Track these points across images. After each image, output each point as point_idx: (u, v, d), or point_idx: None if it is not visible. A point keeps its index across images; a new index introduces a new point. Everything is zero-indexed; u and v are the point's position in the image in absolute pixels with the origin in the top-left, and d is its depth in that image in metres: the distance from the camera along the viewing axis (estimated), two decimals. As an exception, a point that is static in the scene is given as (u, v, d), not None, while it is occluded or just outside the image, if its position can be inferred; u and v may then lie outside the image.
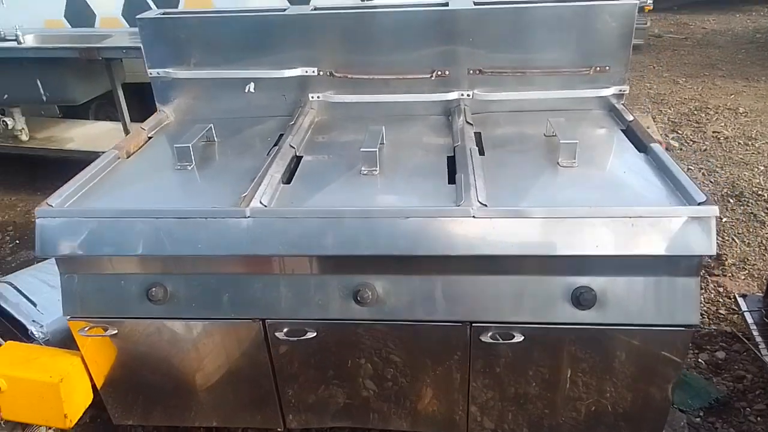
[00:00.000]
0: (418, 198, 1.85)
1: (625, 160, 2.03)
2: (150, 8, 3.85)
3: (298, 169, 2.10)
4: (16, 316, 2.27)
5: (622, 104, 2.42)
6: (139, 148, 2.33)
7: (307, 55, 2.46)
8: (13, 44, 3.76)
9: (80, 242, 1.81)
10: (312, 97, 2.53)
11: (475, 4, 2.40)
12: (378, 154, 2.02)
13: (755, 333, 2.59)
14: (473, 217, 1.69)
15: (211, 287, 1.87)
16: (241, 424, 2.24)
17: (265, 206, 1.78)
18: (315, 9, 2.49)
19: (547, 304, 1.79)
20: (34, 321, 2.24)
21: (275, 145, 2.22)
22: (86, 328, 1.95)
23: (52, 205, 1.84)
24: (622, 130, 2.27)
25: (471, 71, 2.43)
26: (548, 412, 1.99)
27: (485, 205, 1.71)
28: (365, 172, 2.01)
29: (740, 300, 2.80)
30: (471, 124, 2.30)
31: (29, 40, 3.87)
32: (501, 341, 1.84)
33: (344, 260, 1.78)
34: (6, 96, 4.04)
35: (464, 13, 2.35)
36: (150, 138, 2.43)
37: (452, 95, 2.46)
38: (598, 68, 2.38)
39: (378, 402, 2.07)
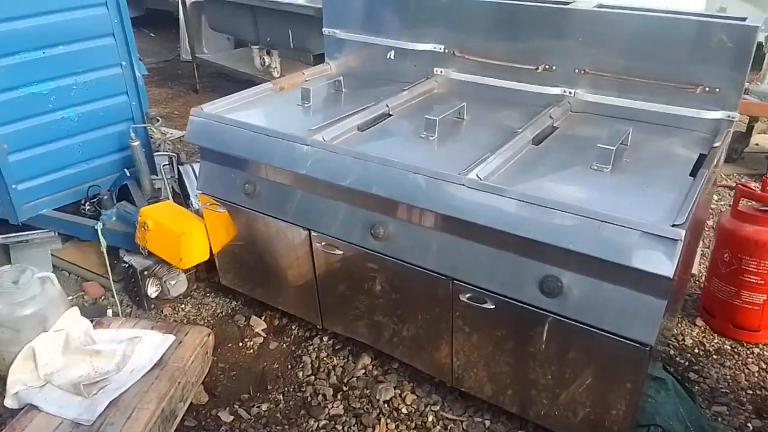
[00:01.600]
0: (444, 162, 2.12)
1: (661, 178, 2.00)
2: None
3: (379, 123, 2.51)
4: (188, 187, 3.17)
5: (729, 131, 2.27)
6: (291, 87, 2.98)
7: (437, 32, 2.81)
8: (277, -1, 4.79)
9: (210, 138, 2.53)
10: (436, 71, 2.88)
11: (598, 6, 2.48)
12: (437, 123, 2.32)
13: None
14: (463, 185, 1.94)
15: (280, 193, 2.44)
16: (295, 313, 2.81)
17: (324, 141, 2.26)
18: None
19: (518, 281, 1.95)
20: (195, 195, 3.10)
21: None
22: (207, 204, 2.70)
23: (202, 109, 2.59)
24: (700, 154, 2.17)
25: (577, 70, 2.52)
26: (515, 381, 2.14)
27: (479, 179, 1.94)
28: (423, 136, 2.34)
29: None
30: (552, 118, 2.43)
31: (289, -3, 4.86)
32: (475, 303, 2.06)
33: (364, 195, 2.17)
34: (268, 39, 5.17)
35: (580, 13, 2.45)
36: (306, 81, 3.07)
37: (555, 90, 2.58)
38: (707, 89, 2.27)
39: (385, 329, 2.44)
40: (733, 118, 2.26)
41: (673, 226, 1.64)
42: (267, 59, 5.35)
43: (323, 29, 3.17)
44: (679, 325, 2.88)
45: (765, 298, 2.67)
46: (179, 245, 2.71)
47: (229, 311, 3.05)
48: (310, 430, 2.38)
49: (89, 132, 3.25)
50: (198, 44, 6.43)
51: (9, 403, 2.31)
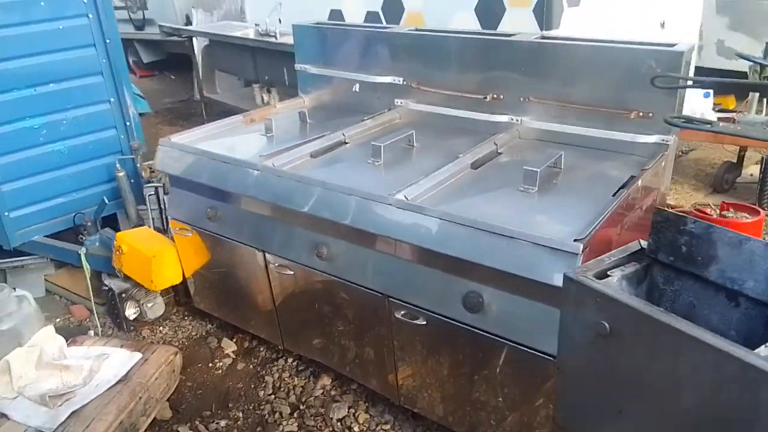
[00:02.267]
0: (381, 185, 2.23)
1: (585, 198, 2.07)
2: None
3: (333, 151, 2.65)
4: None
5: (664, 154, 2.34)
6: (261, 119, 3.15)
7: (397, 66, 2.96)
8: (272, 39, 5.04)
9: (176, 166, 2.70)
10: (397, 102, 3.02)
11: (543, 38, 2.60)
12: (382, 149, 2.45)
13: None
14: (390, 205, 2.04)
15: (238, 217, 2.58)
16: (260, 335, 2.92)
17: (273, 166, 2.40)
18: (414, 30, 2.98)
19: (444, 297, 2.03)
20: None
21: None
22: (177, 229, 2.86)
23: (170, 139, 2.76)
24: (631, 176, 2.23)
25: (522, 98, 2.63)
26: (454, 399, 2.20)
27: (405, 199, 2.04)
28: (370, 161, 2.47)
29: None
30: (496, 144, 2.54)
31: (283, 38, 5.11)
32: (409, 320, 2.13)
33: (308, 217, 2.29)
34: (266, 77, 5.41)
35: (522, 45, 2.57)
36: (276, 114, 3.24)
37: (503, 118, 2.69)
38: (641, 113, 2.35)
39: (338, 349, 2.52)
40: (667, 141, 2.33)
41: (575, 241, 1.71)
42: (266, 96, 5.59)
43: (295, 65, 3.35)
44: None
45: None
46: (150, 268, 2.86)
47: (203, 333, 3.17)
48: (261, 445, 2.45)
49: (79, 164, 3.46)
50: (211, 85, 6.75)
51: (-19, 412, 2.45)
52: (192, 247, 2.88)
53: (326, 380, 2.74)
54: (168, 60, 9.37)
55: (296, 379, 2.78)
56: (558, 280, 1.70)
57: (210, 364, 2.95)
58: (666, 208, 2.72)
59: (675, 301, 1.43)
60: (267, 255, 2.53)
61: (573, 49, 2.45)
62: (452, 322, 2.03)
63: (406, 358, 2.27)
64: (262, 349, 3.00)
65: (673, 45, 2.27)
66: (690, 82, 2.28)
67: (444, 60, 2.81)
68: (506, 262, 1.81)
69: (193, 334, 3.18)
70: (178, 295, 3.33)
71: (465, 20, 4.39)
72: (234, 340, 3.08)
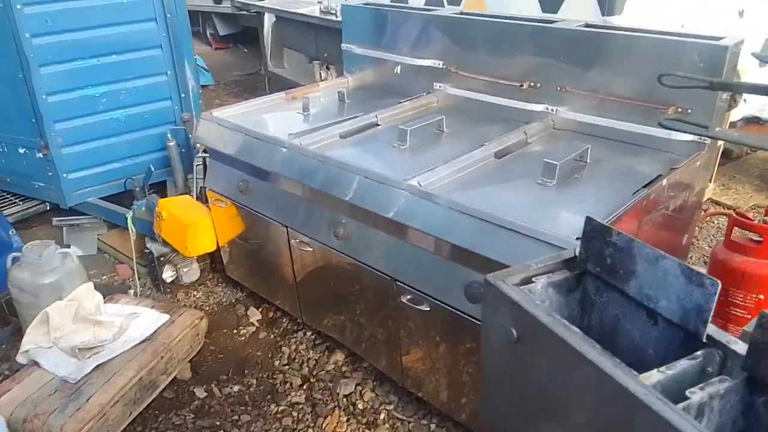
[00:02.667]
0: (401, 170, 2.22)
1: (604, 194, 1.99)
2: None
3: (363, 132, 2.66)
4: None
5: (700, 153, 2.21)
6: (303, 97, 3.20)
7: (438, 49, 2.93)
8: (333, 17, 5.09)
9: (214, 139, 2.80)
10: (436, 86, 2.99)
11: (586, 26, 2.50)
12: (408, 133, 2.44)
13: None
14: (403, 190, 2.04)
15: (266, 192, 2.65)
16: (282, 307, 3.00)
17: (300, 145, 2.44)
18: (461, 13, 2.93)
19: (448, 285, 2.02)
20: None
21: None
22: (213, 199, 2.97)
23: (211, 113, 2.86)
24: (659, 175, 2.13)
25: (559, 88, 2.54)
26: (454, 387, 2.19)
27: (419, 185, 2.03)
28: (396, 145, 2.47)
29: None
30: (525, 134, 2.47)
31: (342, 15, 5.13)
32: (413, 305, 2.14)
33: (327, 196, 2.32)
34: (326, 54, 5.47)
35: (561, 32, 2.48)
36: (317, 92, 3.28)
37: (538, 107, 2.61)
38: (679, 109, 2.23)
39: (351, 327, 2.56)
40: (704, 140, 2.19)
41: (576, 239, 1.65)
42: (324, 73, 5.66)
43: (342, 45, 3.38)
44: (670, 358, 2.76)
45: (757, 336, 2.51)
46: (186, 235, 2.99)
47: (233, 301, 3.29)
48: (269, 413, 2.54)
49: (134, 132, 3.65)
50: (279, 60, 6.89)
51: (20, 359, 2.65)
52: (226, 218, 2.98)
53: (339, 356, 2.79)
54: (243, 33, 9.62)
55: (311, 352, 2.85)
56: (556, 278, 1.66)
57: (234, 331, 3.07)
58: (710, 206, 2.55)
59: (604, 313, 1.35)
60: (290, 230, 2.59)
61: (612, 39, 2.34)
62: (454, 310, 2.02)
63: (411, 342, 2.28)
64: (284, 320, 3.08)
65: (719, 38, 2.13)
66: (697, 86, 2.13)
67: (483, 45, 2.75)
68: (507, 256, 1.77)
69: (224, 300, 3.30)
70: (214, 263, 3.46)
71: (526, 4, 4.27)
72: (260, 309, 3.18)
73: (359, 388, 2.62)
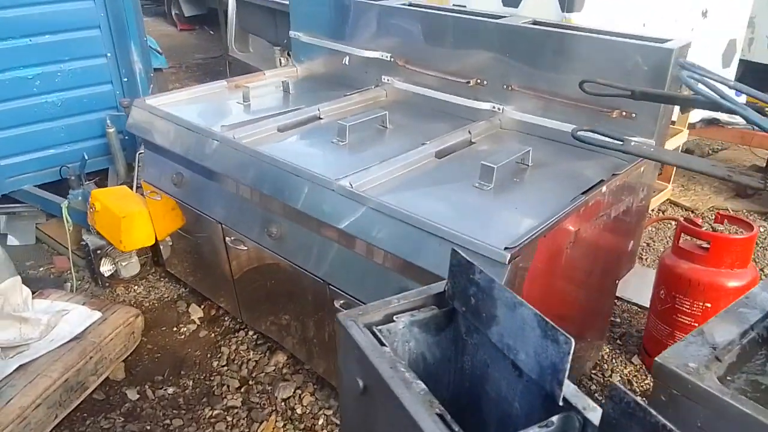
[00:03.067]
0: (336, 168, 2.13)
1: (542, 200, 1.93)
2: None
3: (304, 126, 2.55)
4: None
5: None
6: (246, 85, 3.07)
7: (386, 42, 2.82)
8: (291, 2, 4.93)
9: (146, 128, 2.66)
10: (384, 79, 2.89)
11: (534, 23, 2.42)
12: (348, 129, 2.34)
13: None
14: (333, 190, 1.95)
15: (200, 186, 2.53)
16: (222, 305, 2.90)
17: (233, 138, 2.32)
18: (409, 4, 2.82)
19: (381, 294, 1.91)
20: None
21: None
22: (148, 192, 2.84)
23: (144, 100, 2.72)
24: (601, 180, 2.07)
25: (505, 86, 2.47)
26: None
27: (350, 186, 1.94)
28: (334, 141, 2.37)
29: None
30: (470, 134, 2.40)
31: None
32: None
33: (260, 193, 2.22)
34: (285, 40, 5.31)
35: (509, 29, 2.40)
36: (262, 81, 3.15)
37: (485, 105, 2.54)
38: (624, 113, 2.17)
39: (289, 329, 2.47)
40: (650, 146, 2.14)
41: (505, 249, 1.59)
42: (284, 60, 5.50)
43: (289, 32, 3.25)
44: (613, 360, 2.74)
45: (698, 341, 2.50)
46: (120, 228, 2.85)
47: (175, 297, 3.17)
48: (203, 417, 2.44)
49: (72, 117, 3.47)
50: (243, 44, 6.68)
51: (-58, 357, 2.51)
52: (164, 211, 2.86)
53: (281, 357, 2.70)
54: (209, 15, 9.34)
55: (252, 353, 2.76)
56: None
57: (174, 329, 2.96)
58: (668, 207, 2.48)
59: (474, 356, 1.19)
60: (224, 228, 2.48)
61: (558, 38, 2.27)
62: (386, 318, 1.94)
63: (345, 347, 2.20)
64: (226, 319, 2.98)
65: (664, 41, 2.07)
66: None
67: (431, 38, 2.66)
68: (435, 265, 1.70)
69: (165, 296, 3.18)
70: (156, 256, 3.33)
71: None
72: (202, 306, 3.07)
73: (299, 391, 2.54)
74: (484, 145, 2.38)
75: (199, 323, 2.99)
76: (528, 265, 1.66)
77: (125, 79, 3.60)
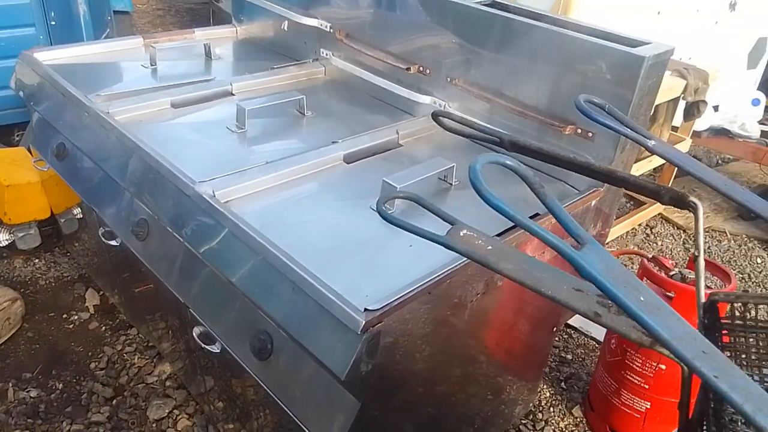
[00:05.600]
0: (216, 165, 1.72)
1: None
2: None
3: (205, 103, 2.13)
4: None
5: (598, 190, 1.72)
6: (165, 44, 2.63)
7: (325, 9, 2.37)
8: None
9: (29, 88, 2.25)
10: (323, 53, 2.45)
11: (492, 4, 1.96)
12: (247, 113, 1.92)
13: None
14: (189, 196, 1.55)
15: (77, 161, 2.12)
16: (108, 297, 2.55)
17: (106, 111, 1.91)
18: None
19: (238, 331, 1.55)
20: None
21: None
22: (35, 159, 2.44)
23: (33, 55, 2.30)
24: (535, 214, 1.64)
25: (449, 79, 2.02)
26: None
27: (211, 194, 1.53)
28: (231, 128, 1.95)
29: None
30: (398, 134, 1.97)
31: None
32: (203, 343, 1.67)
33: (122, 186, 1.82)
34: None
35: (457, 8, 1.93)
36: (188, 41, 2.70)
37: (425, 98, 2.10)
38: (579, 131, 1.73)
39: (163, 337, 2.11)
40: (605, 174, 1.70)
41: (365, 310, 1.18)
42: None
43: (230, -13, 2.80)
44: (551, 408, 2.36)
45: (648, 406, 2.10)
46: (3, 197, 2.48)
47: (75, 277, 2.81)
48: (56, 432, 2.11)
49: (-14, 62, 3.06)
50: (227, -9, 6.19)
51: None
52: (54, 182, 2.47)
53: (167, 367, 2.34)
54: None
55: (137, 356, 2.40)
56: (337, 365, 1.21)
57: (64, 315, 2.60)
58: (658, 223, 2.05)
59: None
60: (97, 216, 2.09)
61: (514, 26, 1.81)
62: (242, 363, 1.55)
63: (210, 377, 1.83)
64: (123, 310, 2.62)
65: (637, 45, 1.61)
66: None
67: (373, 10, 2.20)
68: (282, 313, 1.31)
69: (65, 275, 2.82)
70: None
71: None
72: (101, 293, 2.71)
73: (175, 412, 2.19)
74: (412, 149, 1.95)
75: (92, 312, 2.63)
76: (397, 330, 1.26)
77: (52, 23, 3.17)
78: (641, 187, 1.12)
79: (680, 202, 1.01)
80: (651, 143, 1.18)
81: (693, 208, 0.97)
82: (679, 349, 0.61)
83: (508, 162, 0.94)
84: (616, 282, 0.69)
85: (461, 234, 0.91)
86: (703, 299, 0.89)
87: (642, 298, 0.67)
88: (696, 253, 0.93)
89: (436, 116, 1.55)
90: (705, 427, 0.83)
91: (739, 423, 0.77)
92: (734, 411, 0.56)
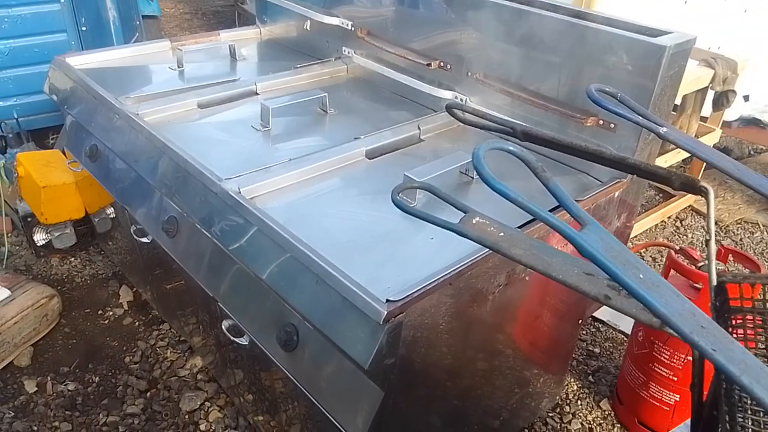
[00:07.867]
0: (242, 162, 1.77)
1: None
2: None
3: (231, 103, 2.18)
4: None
5: (621, 181, 1.72)
6: (192, 47, 2.70)
7: (348, 7, 2.40)
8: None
9: (62, 92, 2.34)
10: (345, 51, 2.48)
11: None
12: (271, 112, 1.96)
13: None
14: (215, 193, 1.59)
15: (109, 162, 2.19)
16: (142, 293, 2.61)
17: (136, 113, 1.97)
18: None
19: (266, 323, 1.58)
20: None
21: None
22: (70, 160, 2.53)
23: (65, 60, 2.38)
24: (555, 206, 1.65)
25: (470, 74, 2.03)
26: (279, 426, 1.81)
27: (237, 190, 1.58)
28: (256, 127, 2.00)
29: None
30: (419, 129, 1.99)
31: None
32: (232, 336, 1.72)
33: (152, 185, 1.88)
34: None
35: (478, 3, 1.94)
36: (214, 43, 2.76)
37: (446, 94, 2.11)
38: (602, 122, 1.72)
39: (195, 331, 2.17)
40: (628, 165, 1.69)
41: (387, 301, 1.21)
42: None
43: (254, -11, 2.85)
44: (578, 401, 2.35)
45: (677, 399, 2.09)
46: (40, 197, 2.57)
47: (110, 274, 2.90)
48: (94, 424, 2.18)
49: (21, 67, 3.17)
50: (252, -7, 6.28)
51: None
52: (88, 183, 2.55)
53: (198, 360, 2.41)
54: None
55: (170, 351, 2.47)
56: (360, 355, 1.23)
57: (99, 312, 2.69)
58: (689, 215, 2.06)
59: None
60: (129, 215, 2.16)
61: (533, 19, 1.81)
62: (269, 356, 1.60)
63: (239, 370, 1.88)
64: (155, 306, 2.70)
65: (658, 34, 1.60)
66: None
67: (394, 7, 2.22)
68: (307, 307, 1.34)
69: (100, 272, 2.91)
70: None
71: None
72: (134, 290, 2.79)
73: (207, 404, 2.25)
74: (433, 144, 1.97)
75: (126, 308, 2.71)
76: (419, 321, 1.28)
77: (83, 29, 3.26)
78: (652, 173, 1.13)
79: (691, 187, 1.01)
80: (662, 130, 1.18)
81: (704, 193, 0.97)
82: (677, 323, 0.63)
83: (510, 148, 0.95)
84: (615, 260, 0.71)
85: (474, 221, 0.92)
86: (714, 283, 0.90)
87: (641, 276, 0.68)
88: (708, 237, 0.93)
89: (449, 108, 1.57)
90: (718, 409, 0.84)
91: (748, 401, 0.77)
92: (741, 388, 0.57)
